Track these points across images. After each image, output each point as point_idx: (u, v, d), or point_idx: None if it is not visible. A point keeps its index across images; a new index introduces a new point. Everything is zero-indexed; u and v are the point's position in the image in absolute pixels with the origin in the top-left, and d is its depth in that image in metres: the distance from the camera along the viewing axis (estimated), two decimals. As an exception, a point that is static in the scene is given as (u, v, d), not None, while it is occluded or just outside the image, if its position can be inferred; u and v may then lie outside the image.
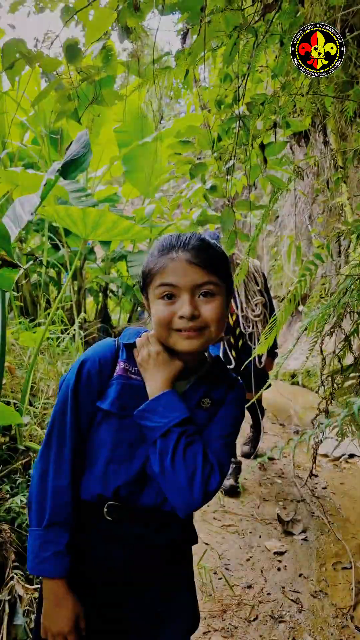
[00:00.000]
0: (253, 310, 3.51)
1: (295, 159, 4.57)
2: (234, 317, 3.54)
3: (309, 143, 3.81)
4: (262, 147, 2.17)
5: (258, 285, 3.55)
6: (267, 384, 2.88)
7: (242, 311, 3.49)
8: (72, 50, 1.54)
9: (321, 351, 1.80)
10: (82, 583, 1.15)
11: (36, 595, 1.84)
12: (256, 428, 4.18)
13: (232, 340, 3.60)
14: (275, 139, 2.09)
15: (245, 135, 2.14)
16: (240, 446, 4.26)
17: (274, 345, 3.70)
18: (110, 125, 5.57)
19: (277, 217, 8.51)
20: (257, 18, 1.44)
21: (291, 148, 3.87)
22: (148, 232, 4.98)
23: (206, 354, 1.26)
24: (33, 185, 2.63)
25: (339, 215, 3.72)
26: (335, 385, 1.82)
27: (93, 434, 1.17)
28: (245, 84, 2.09)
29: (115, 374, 1.17)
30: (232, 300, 3.33)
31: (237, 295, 3.48)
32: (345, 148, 2.90)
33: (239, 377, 1.30)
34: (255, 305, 3.53)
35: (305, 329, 2.09)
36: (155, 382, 1.13)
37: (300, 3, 1.77)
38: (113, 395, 1.14)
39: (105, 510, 1.13)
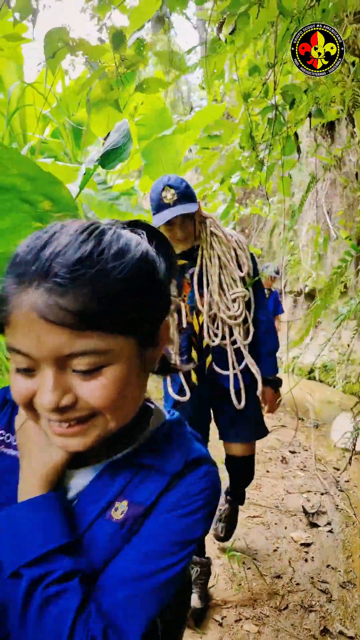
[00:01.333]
0: (228, 309, 2.10)
1: (319, 151, 4.55)
2: (201, 319, 2.11)
3: (334, 134, 3.79)
4: (296, 136, 2.17)
5: (241, 271, 2.16)
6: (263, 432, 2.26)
7: (209, 308, 2.08)
8: (117, 38, 1.54)
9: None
10: None
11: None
12: (234, 498, 2.59)
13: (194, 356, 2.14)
14: (310, 127, 2.08)
15: (280, 125, 2.14)
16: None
17: (273, 364, 2.27)
18: (130, 119, 5.57)
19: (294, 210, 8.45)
20: (312, 3, 1.44)
21: (315, 140, 3.85)
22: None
23: (149, 405, 0.80)
24: (63, 176, 2.64)
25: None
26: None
27: None
28: (280, 73, 2.08)
29: None
30: (195, 289, 2.09)
31: (205, 283, 2.11)
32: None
33: (206, 455, 0.76)
34: (234, 300, 2.12)
35: (342, 316, 2.08)
36: (25, 479, 0.70)
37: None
38: None
39: None
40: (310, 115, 2.20)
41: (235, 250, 2.19)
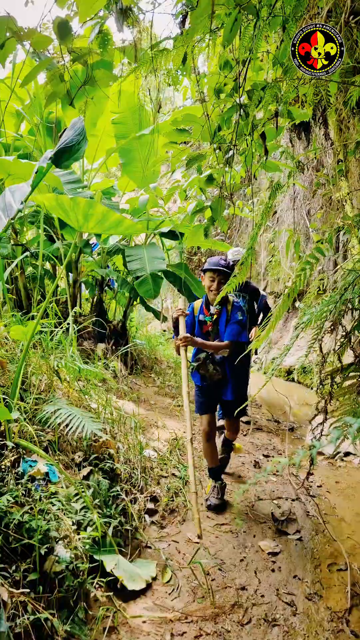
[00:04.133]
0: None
1: (295, 152, 4.50)
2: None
3: (310, 136, 3.74)
4: (263, 137, 2.10)
5: None
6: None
7: None
8: (63, 28, 1.46)
9: (320, 349, 1.74)
10: None
11: (23, 598, 1.78)
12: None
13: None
14: (277, 129, 2.02)
15: (245, 124, 2.07)
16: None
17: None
18: (107, 117, 5.48)
19: (275, 212, 8.44)
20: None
21: (291, 141, 3.79)
22: (140, 225, 4.88)
23: None
24: (26, 174, 2.54)
25: (339, 210, 3.66)
26: (334, 384, 1.77)
27: None
28: (247, 71, 2.02)
29: None
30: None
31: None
32: (347, 140, 2.83)
33: None
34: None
35: (302, 324, 2.03)
36: None
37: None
38: None
39: None
40: (277, 114, 2.14)
41: None
